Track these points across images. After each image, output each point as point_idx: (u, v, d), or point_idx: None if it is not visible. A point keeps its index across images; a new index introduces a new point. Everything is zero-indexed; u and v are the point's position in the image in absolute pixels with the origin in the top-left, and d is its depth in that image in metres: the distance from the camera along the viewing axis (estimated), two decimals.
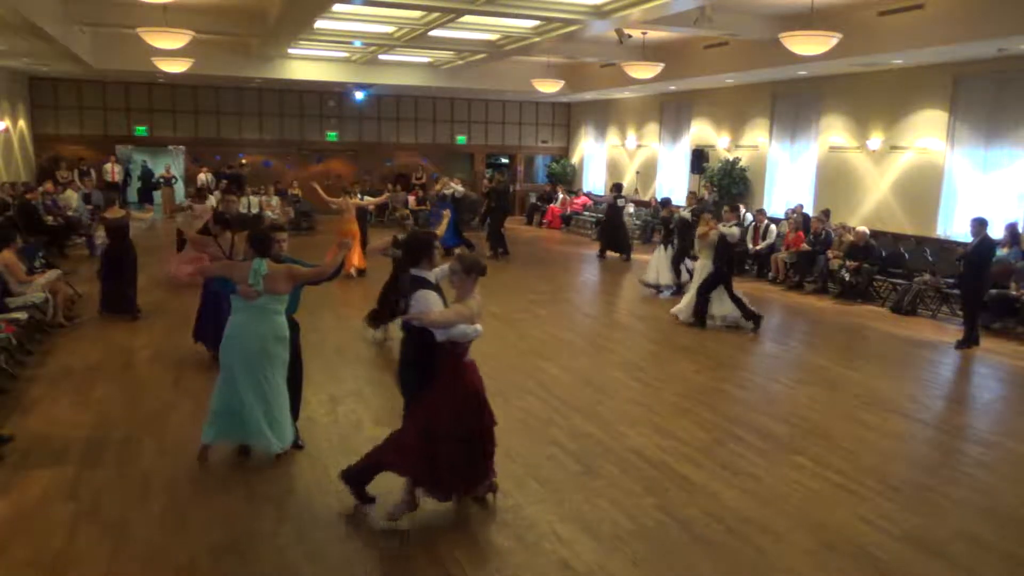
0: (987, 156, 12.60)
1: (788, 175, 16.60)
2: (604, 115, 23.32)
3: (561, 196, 22.71)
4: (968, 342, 9.52)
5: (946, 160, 13.13)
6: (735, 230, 10.26)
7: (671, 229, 12.63)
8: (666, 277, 12.53)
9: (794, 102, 16.23)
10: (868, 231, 12.88)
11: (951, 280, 11.04)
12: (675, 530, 4.76)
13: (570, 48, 15.68)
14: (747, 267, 14.96)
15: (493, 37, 15.10)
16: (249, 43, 16.85)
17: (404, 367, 4.91)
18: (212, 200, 12.98)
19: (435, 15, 12.51)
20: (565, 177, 24.88)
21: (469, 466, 4.76)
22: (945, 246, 12.56)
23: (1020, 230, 11.28)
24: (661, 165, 20.74)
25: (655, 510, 5.01)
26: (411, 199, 21.46)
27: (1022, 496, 5.53)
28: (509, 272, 14.27)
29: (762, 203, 16.52)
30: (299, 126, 23.01)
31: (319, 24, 13.69)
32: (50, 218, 14.78)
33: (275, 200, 18.36)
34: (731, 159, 17.57)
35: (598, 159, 24.10)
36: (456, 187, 16.78)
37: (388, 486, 4.85)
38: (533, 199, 24.22)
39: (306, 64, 19.08)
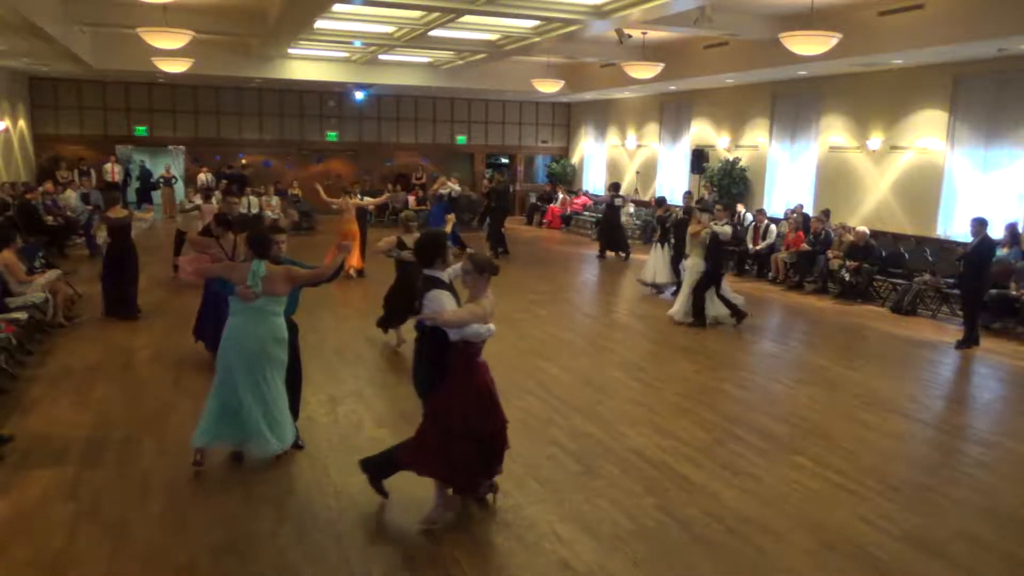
0: (987, 156, 12.59)
1: (788, 175, 16.59)
2: (604, 115, 23.31)
3: (561, 196, 22.71)
4: (968, 342, 9.52)
5: (946, 160, 13.13)
6: (727, 228, 10.28)
7: (667, 228, 12.64)
8: (663, 276, 12.54)
9: (794, 102, 16.22)
10: (868, 231, 12.88)
11: (951, 280, 11.04)
12: (675, 530, 4.76)
13: (570, 48, 15.68)
14: (747, 267, 14.97)
15: (493, 37, 15.10)
16: (249, 43, 16.85)
17: (418, 367, 4.92)
18: (214, 201, 12.96)
19: (435, 15, 12.51)
20: (565, 177, 24.88)
21: (483, 465, 4.79)
22: (945, 246, 12.56)
23: (1020, 230, 11.28)
24: (661, 165, 20.73)
25: (655, 510, 5.01)
26: (411, 199, 21.48)
27: (1022, 496, 5.53)
28: (509, 272, 14.24)
29: (762, 203, 16.52)
30: (299, 126, 23.01)
31: (319, 24, 13.69)
32: (50, 218, 14.78)
33: (275, 200, 18.35)
34: (731, 159, 17.57)
35: (598, 159, 24.10)
36: (453, 186, 16.78)
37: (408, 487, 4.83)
38: (533, 199, 24.22)
39: (306, 64, 19.08)
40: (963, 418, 7.38)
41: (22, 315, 8.10)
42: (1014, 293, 10.31)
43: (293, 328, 5.67)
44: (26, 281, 8.92)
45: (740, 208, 16.45)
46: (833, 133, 15.30)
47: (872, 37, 11.80)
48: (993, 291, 10.18)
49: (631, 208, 19.49)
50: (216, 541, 4.48)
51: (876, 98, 14.29)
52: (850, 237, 12.89)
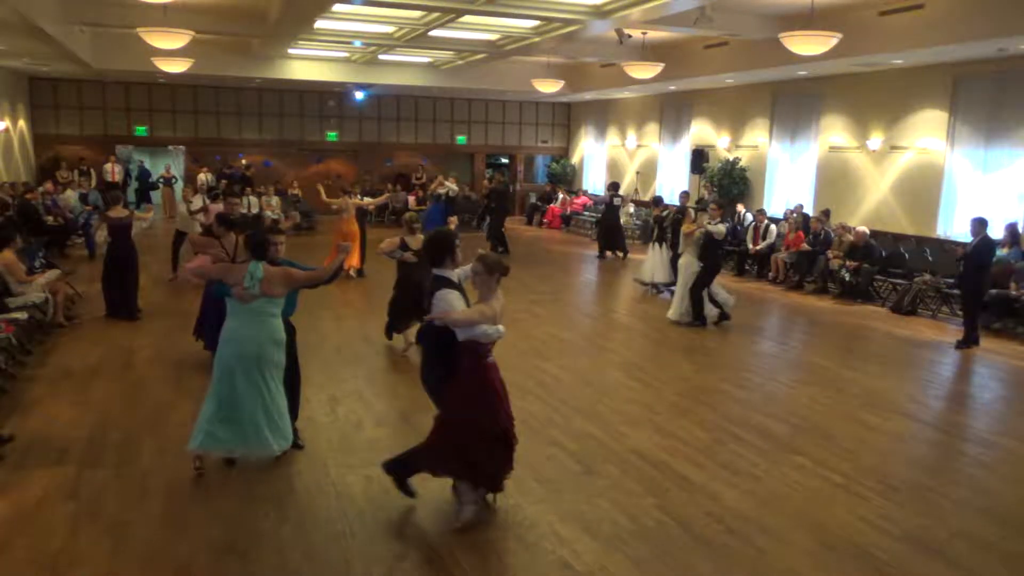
0: (987, 156, 12.59)
1: (788, 175, 16.59)
2: (604, 115, 23.31)
3: (561, 196, 22.70)
4: (968, 342, 9.52)
5: (946, 160, 13.13)
6: (721, 227, 10.28)
7: (664, 228, 12.65)
8: (661, 275, 12.53)
9: (794, 102, 16.22)
10: (868, 231, 12.88)
11: (951, 280, 11.04)
12: (675, 530, 4.76)
13: (570, 48, 15.67)
14: (747, 267, 14.97)
15: (493, 37, 15.10)
16: (249, 43, 16.85)
17: (426, 367, 4.92)
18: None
19: (435, 15, 12.51)
20: (565, 177, 24.88)
21: (502, 460, 4.80)
22: (945, 246, 12.55)
23: (1020, 230, 11.29)
24: (661, 165, 20.73)
25: (655, 510, 5.01)
26: (411, 199, 21.48)
27: (1022, 496, 5.53)
28: (509, 272, 14.24)
29: (762, 203, 16.52)
30: (299, 126, 23.01)
31: (319, 24, 13.69)
32: (50, 218, 14.78)
33: (275, 200, 18.35)
34: (731, 159, 17.57)
35: (598, 159, 24.09)
36: (451, 186, 16.75)
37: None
38: (533, 199, 24.22)
39: (306, 64, 19.07)
40: (963, 418, 7.38)
41: (22, 315, 8.10)
42: (1014, 293, 10.31)
43: (291, 330, 5.65)
44: (26, 281, 8.92)
45: (740, 208, 16.46)
46: (833, 133, 15.30)
47: (872, 37, 11.80)
48: (993, 291, 10.18)
49: (631, 208, 19.48)
50: (216, 541, 4.48)
51: (876, 98, 14.29)
52: (850, 237, 12.89)
